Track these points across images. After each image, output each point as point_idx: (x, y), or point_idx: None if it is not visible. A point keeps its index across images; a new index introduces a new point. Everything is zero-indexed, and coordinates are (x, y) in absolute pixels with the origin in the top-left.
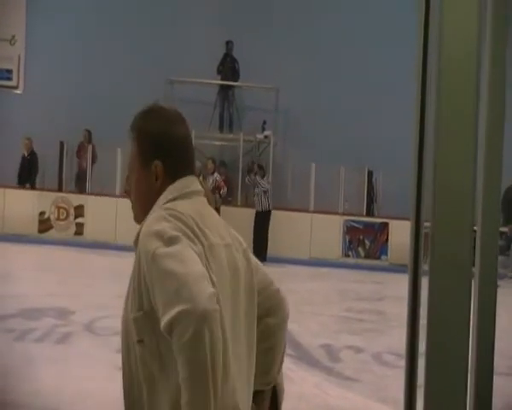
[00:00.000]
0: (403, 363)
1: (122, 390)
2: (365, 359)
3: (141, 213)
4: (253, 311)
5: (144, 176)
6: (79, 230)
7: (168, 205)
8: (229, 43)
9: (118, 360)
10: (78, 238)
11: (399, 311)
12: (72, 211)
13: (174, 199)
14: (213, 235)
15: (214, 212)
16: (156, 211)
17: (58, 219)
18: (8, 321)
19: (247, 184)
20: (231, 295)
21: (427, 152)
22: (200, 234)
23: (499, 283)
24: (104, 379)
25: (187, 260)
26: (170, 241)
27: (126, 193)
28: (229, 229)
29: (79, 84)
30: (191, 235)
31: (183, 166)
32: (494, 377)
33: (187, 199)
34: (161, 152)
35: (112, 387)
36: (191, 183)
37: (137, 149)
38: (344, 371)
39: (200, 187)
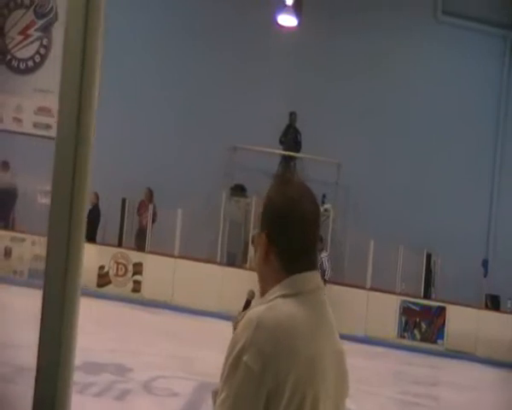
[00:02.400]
0: None
1: None
2: None
3: (261, 292)
4: None
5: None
6: (137, 287)
7: (275, 303)
8: (292, 115)
9: None
10: (136, 295)
11: (455, 397)
12: (130, 267)
13: (284, 296)
14: (319, 342)
15: (327, 313)
16: (262, 303)
17: (117, 274)
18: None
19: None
20: (334, 402)
21: None
22: (289, 352)
23: None
24: None
25: (239, 398)
26: (243, 364)
27: None
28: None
29: (146, 144)
30: (270, 357)
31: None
32: None
33: (297, 299)
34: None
35: None
36: (308, 279)
37: None
38: None
39: (318, 283)
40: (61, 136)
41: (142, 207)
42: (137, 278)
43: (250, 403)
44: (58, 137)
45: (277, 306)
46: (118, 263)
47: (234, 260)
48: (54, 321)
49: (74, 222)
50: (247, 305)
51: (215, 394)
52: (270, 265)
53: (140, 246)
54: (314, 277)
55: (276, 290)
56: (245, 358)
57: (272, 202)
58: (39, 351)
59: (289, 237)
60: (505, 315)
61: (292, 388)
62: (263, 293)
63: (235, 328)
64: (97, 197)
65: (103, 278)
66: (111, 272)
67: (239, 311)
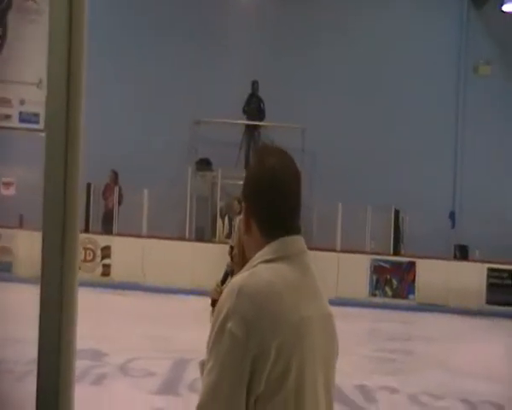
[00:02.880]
0: (440, 404)
1: None
2: (401, 399)
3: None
4: (333, 378)
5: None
6: (106, 271)
7: (257, 269)
8: (254, 83)
9: (153, 401)
10: (105, 279)
11: (430, 351)
12: (98, 252)
13: (267, 261)
14: (304, 306)
15: (312, 276)
16: (245, 271)
17: (85, 260)
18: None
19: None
20: (323, 365)
21: None
22: (272, 317)
23: None
24: None
25: (225, 366)
26: (227, 331)
27: None
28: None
29: (106, 126)
30: (253, 323)
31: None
32: None
33: (281, 263)
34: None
35: None
36: (291, 243)
37: None
38: None
39: (301, 246)
40: (50, 131)
41: (107, 191)
42: (106, 261)
43: (236, 369)
44: (47, 131)
45: (259, 272)
46: (85, 249)
47: (203, 234)
48: (52, 317)
49: (68, 216)
50: (226, 277)
51: (202, 364)
52: (252, 234)
53: (107, 229)
54: (297, 241)
55: (258, 257)
56: (229, 325)
57: (252, 172)
58: (39, 349)
59: (270, 206)
60: (474, 264)
61: (277, 352)
62: (247, 262)
63: (213, 300)
64: None
65: None
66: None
67: (217, 283)
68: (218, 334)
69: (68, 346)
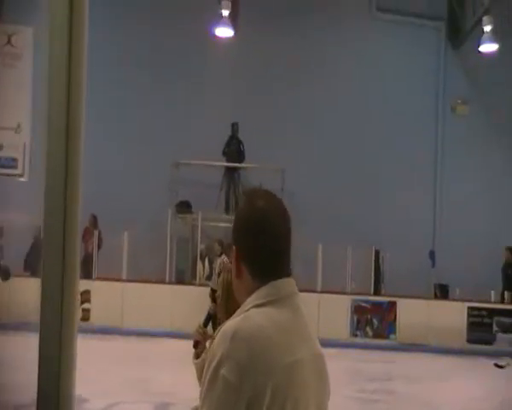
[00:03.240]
0: None
1: None
2: None
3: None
4: None
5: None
6: (86, 315)
7: (250, 313)
8: (234, 125)
9: None
10: (85, 324)
11: (411, 390)
12: (78, 297)
13: (259, 305)
14: (296, 348)
15: (303, 318)
16: (237, 316)
17: None
18: None
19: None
20: (316, 407)
21: None
22: (266, 361)
23: (509, 361)
24: None
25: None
26: (221, 377)
27: None
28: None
29: (86, 169)
30: (247, 367)
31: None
32: None
33: (272, 307)
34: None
35: None
36: (281, 286)
37: None
38: None
39: (292, 288)
40: (50, 175)
41: (86, 234)
42: (86, 306)
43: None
44: (48, 174)
45: (251, 316)
46: None
47: (183, 277)
48: (51, 369)
49: (68, 258)
50: (209, 319)
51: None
52: (243, 277)
53: (87, 273)
54: (288, 283)
55: (250, 301)
56: (222, 371)
57: (241, 215)
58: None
59: (258, 249)
60: (454, 303)
61: (271, 396)
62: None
63: (195, 342)
64: (39, 230)
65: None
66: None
67: (199, 324)
68: (212, 380)
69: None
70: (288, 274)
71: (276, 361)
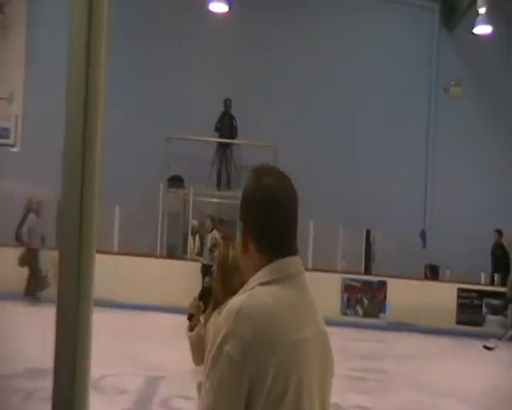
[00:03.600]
0: None
1: None
2: None
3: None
4: (329, 398)
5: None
6: None
7: (255, 291)
8: (227, 101)
9: None
10: None
11: (402, 369)
12: (94, 270)
13: (264, 283)
14: (301, 326)
15: (309, 296)
16: (243, 293)
17: (55, 276)
18: (14, 381)
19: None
20: (320, 385)
21: None
22: (270, 338)
23: (497, 343)
24: None
25: (221, 389)
26: (225, 354)
27: None
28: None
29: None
30: (251, 345)
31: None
32: None
33: (278, 284)
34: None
35: None
36: (288, 264)
37: None
38: None
39: (298, 267)
40: (69, 145)
41: None
42: None
43: (233, 391)
44: (66, 144)
45: (257, 294)
46: (56, 266)
47: (174, 251)
48: (69, 334)
49: (85, 232)
50: (204, 292)
51: (200, 385)
52: (249, 254)
53: None
54: (294, 261)
55: (256, 278)
56: (226, 347)
57: (247, 192)
58: (55, 369)
59: (265, 226)
60: (444, 284)
61: (274, 374)
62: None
63: (189, 315)
64: (31, 201)
65: (42, 282)
66: (50, 276)
67: (194, 297)
68: (215, 357)
69: (84, 371)
70: (294, 252)
71: (281, 339)
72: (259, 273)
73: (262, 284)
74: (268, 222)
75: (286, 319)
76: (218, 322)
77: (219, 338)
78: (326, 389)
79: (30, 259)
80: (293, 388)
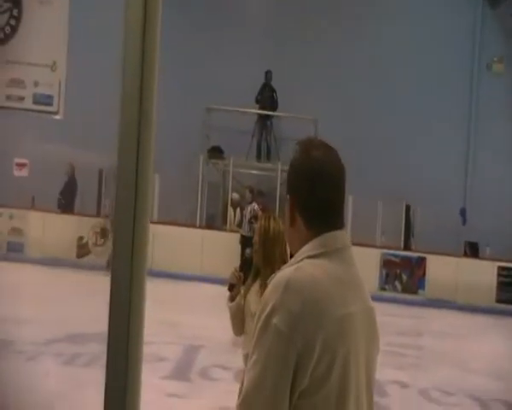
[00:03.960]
0: (451, 400)
1: None
2: (411, 394)
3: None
4: (374, 375)
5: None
6: None
7: (302, 264)
8: (268, 73)
9: (164, 386)
10: None
11: (440, 346)
12: (110, 236)
13: (312, 256)
14: (348, 301)
15: (355, 270)
16: (290, 265)
17: (96, 244)
18: (55, 345)
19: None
20: (365, 361)
21: None
22: (318, 312)
23: None
24: (155, 405)
25: (269, 360)
26: (273, 326)
27: None
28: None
29: (118, 112)
30: (299, 318)
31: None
32: None
33: (325, 258)
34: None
35: None
36: (335, 238)
37: None
38: (391, 406)
39: (345, 241)
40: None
41: None
42: None
43: (280, 364)
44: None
45: (305, 266)
46: (96, 233)
47: (213, 221)
48: (122, 301)
49: (140, 202)
50: (245, 263)
51: (247, 357)
52: (297, 227)
53: None
54: (341, 235)
55: (303, 251)
56: (274, 320)
57: (296, 164)
58: (109, 333)
59: (314, 199)
60: (483, 262)
61: (321, 347)
62: (292, 256)
63: (230, 285)
64: (73, 168)
65: (82, 249)
66: (90, 243)
67: (235, 268)
68: (263, 328)
69: (137, 340)
70: (341, 226)
71: (328, 313)
72: (307, 247)
73: (310, 257)
74: (317, 195)
75: (333, 293)
76: (265, 294)
77: (267, 310)
78: (372, 364)
79: None
80: (339, 364)
